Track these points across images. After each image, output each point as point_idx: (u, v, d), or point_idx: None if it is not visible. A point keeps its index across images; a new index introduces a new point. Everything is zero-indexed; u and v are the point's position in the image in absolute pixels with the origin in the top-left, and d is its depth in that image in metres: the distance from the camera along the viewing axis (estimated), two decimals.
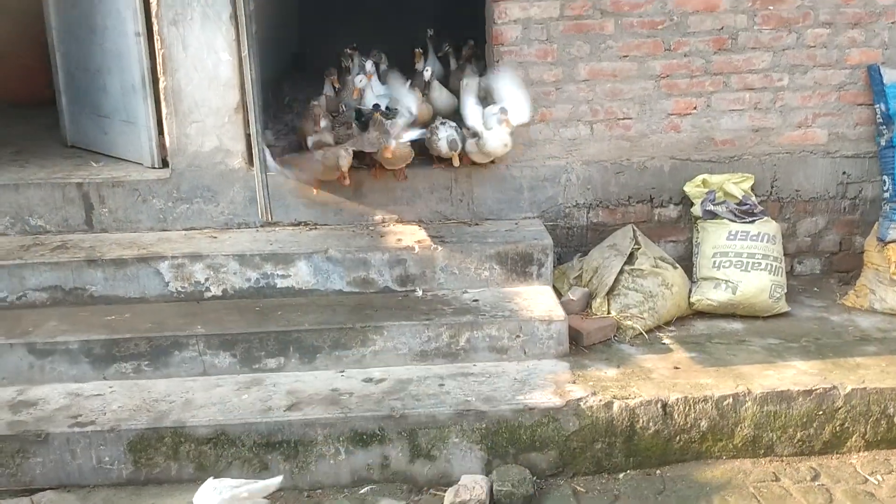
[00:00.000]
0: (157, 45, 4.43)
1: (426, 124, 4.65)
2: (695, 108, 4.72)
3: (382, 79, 5.07)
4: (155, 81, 4.59)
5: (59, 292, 4.26)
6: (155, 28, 4.41)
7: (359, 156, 4.45)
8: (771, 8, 4.61)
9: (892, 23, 4.67)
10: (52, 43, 5.30)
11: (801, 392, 3.77)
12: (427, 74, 5.04)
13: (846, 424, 3.80)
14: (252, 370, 3.99)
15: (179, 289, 4.30)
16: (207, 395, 3.83)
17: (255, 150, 4.08)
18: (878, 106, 4.71)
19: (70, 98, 5.34)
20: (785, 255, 4.76)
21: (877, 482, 3.65)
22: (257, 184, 4.08)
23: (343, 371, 4.00)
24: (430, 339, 4.03)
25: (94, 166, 4.88)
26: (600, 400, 3.72)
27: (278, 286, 4.31)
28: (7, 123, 6.19)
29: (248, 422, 3.61)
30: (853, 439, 3.82)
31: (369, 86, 4.85)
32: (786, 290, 4.53)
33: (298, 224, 4.66)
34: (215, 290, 4.31)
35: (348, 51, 5.38)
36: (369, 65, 4.97)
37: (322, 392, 3.82)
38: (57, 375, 3.94)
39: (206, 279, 4.29)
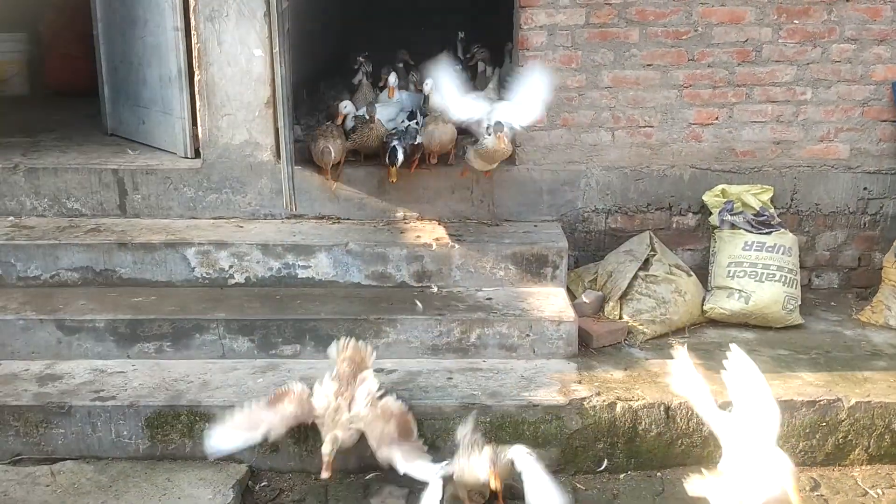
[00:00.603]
0: (194, 39, 4.60)
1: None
2: (717, 118, 4.76)
3: (407, 85, 5.19)
4: (191, 75, 4.76)
5: (89, 273, 4.44)
6: (192, 23, 4.58)
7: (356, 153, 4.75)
8: (796, 22, 4.64)
9: None
10: (97, 35, 5.52)
11: (805, 402, 3.80)
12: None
13: (849, 437, 3.83)
14: (269, 356, 4.13)
15: (204, 275, 4.45)
16: (224, 377, 3.97)
17: (282, 144, 4.22)
18: None
19: (112, 88, 5.55)
20: (803, 268, 4.79)
21: (876, 496, 3.67)
22: (283, 175, 4.21)
23: None
24: (442, 333, 4.14)
25: (130, 154, 5.07)
26: (604, 400, 3.79)
27: (299, 276, 4.45)
28: (51, 111, 6.43)
29: None
30: (856, 452, 3.84)
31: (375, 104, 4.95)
32: (800, 303, 4.55)
33: (322, 217, 4.80)
34: (238, 278, 4.46)
35: (361, 59, 5.50)
36: (392, 77, 5.14)
37: None
38: (83, 352, 4.12)
39: (231, 266, 4.45)
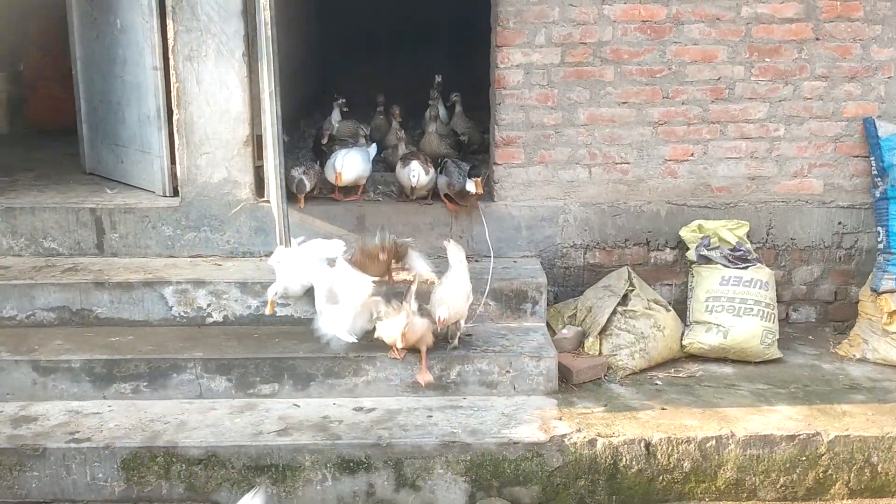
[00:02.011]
0: (173, 79, 4.62)
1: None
2: (692, 154, 4.82)
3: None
4: (170, 114, 4.78)
5: (66, 312, 4.41)
6: (171, 63, 4.61)
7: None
8: (768, 60, 4.73)
9: (888, 77, 4.76)
10: (76, 74, 5.54)
11: (785, 437, 3.81)
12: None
13: (829, 471, 3.83)
14: (247, 395, 4.10)
15: (182, 313, 4.43)
16: (202, 417, 3.93)
17: (276, 181, 4.21)
18: (873, 158, 4.78)
19: (90, 127, 5.56)
20: (780, 302, 4.82)
21: None
22: (278, 212, 4.22)
23: (335, 399, 4.09)
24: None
25: (108, 193, 5.06)
26: (584, 437, 3.78)
27: (277, 314, 4.43)
28: (31, 150, 6.43)
29: (238, 444, 3.71)
30: (837, 486, 3.84)
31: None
32: (778, 337, 4.57)
33: None
34: (217, 316, 4.44)
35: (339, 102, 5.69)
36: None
37: (313, 419, 3.92)
38: (59, 393, 4.07)
39: (209, 305, 4.43)
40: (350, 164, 4.72)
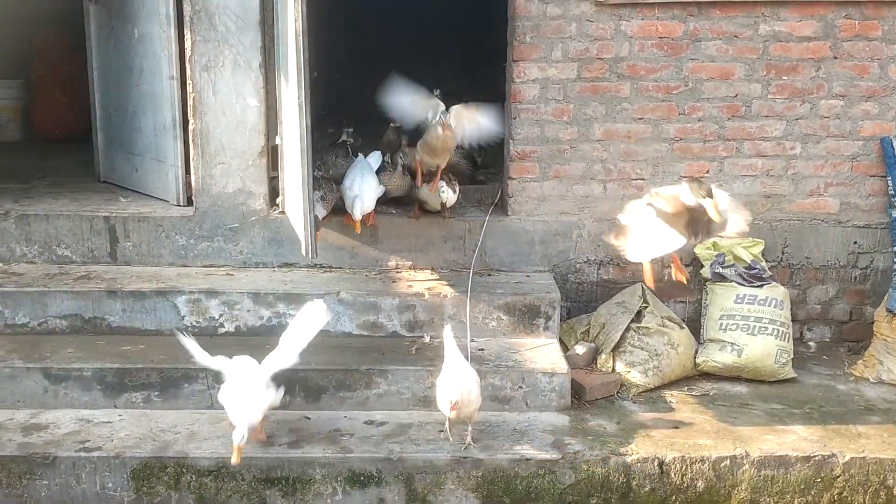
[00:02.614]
0: (189, 88, 4.63)
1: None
2: (707, 171, 4.80)
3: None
4: (185, 123, 4.79)
5: (78, 320, 4.40)
6: (188, 72, 4.62)
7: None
8: (785, 78, 4.71)
9: None
10: (92, 82, 5.55)
11: (800, 458, 3.78)
12: None
13: (845, 493, 3.79)
14: None
15: (194, 323, 4.42)
16: (212, 428, 3.92)
17: (306, 192, 4.10)
18: (889, 178, 4.76)
19: (105, 135, 5.57)
20: (795, 321, 4.79)
21: None
22: (304, 222, 4.14)
23: (346, 412, 4.07)
24: (434, 385, 4.08)
25: (122, 201, 5.07)
26: (597, 455, 3.75)
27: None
28: (45, 158, 6.44)
29: (248, 456, 3.68)
30: None
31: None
32: (792, 356, 4.54)
33: (314, 266, 4.78)
34: (228, 327, 4.43)
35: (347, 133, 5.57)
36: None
37: (324, 431, 3.90)
38: (69, 401, 4.06)
39: (221, 315, 4.42)
40: (368, 201, 4.57)
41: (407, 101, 4.64)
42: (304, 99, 4.01)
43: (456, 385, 3.70)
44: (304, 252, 4.23)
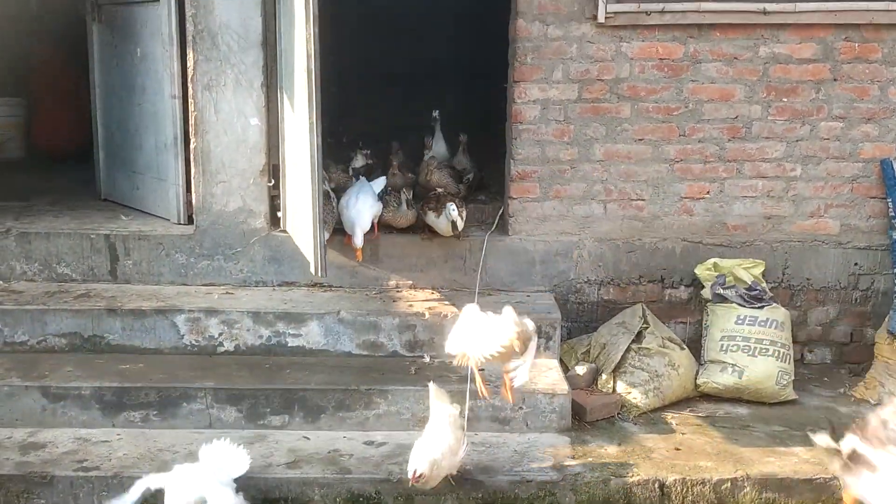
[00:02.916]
0: (191, 107, 4.64)
1: None
2: (708, 192, 4.81)
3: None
4: (186, 142, 4.80)
5: (77, 339, 4.40)
6: (189, 91, 4.63)
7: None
8: (785, 100, 4.73)
9: None
10: (94, 101, 5.57)
11: (801, 481, 3.75)
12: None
13: None
14: (257, 426, 4.06)
15: (193, 342, 4.41)
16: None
17: (316, 210, 4.11)
18: (889, 200, 4.76)
19: (107, 153, 5.59)
20: (795, 343, 4.78)
21: None
22: (315, 242, 4.16)
23: (346, 432, 4.05)
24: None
25: (122, 219, 5.07)
26: (598, 476, 3.73)
27: (289, 345, 4.41)
28: (46, 175, 6.46)
29: (247, 476, 3.65)
30: None
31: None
32: (793, 378, 4.52)
33: (315, 285, 4.78)
34: (228, 346, 4.41)
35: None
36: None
37: (322, 452, 3.88)
38: (68, 420, 4.04)
39: (220, 334, 4.40)
40: (365, 222, 4.60)
41: None
42: (315, 119, 4.02)
43: (424, 459, 3.45)
44: (312, 271, 4.23)
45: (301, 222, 4.33)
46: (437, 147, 5.66)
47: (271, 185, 4.75)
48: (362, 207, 4.61)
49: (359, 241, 4.53)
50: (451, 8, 7.85)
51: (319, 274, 4.22)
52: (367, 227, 4.61)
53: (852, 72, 4.71)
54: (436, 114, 5.85)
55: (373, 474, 3.71)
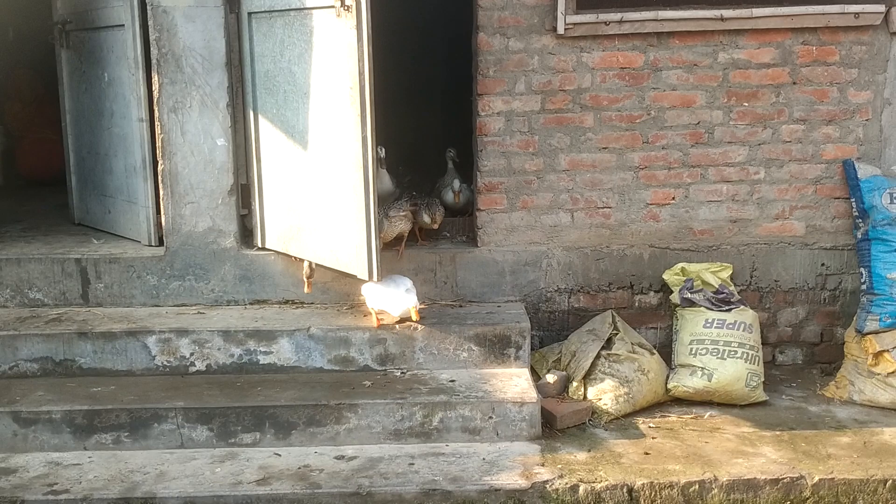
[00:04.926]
0: (158, 130, 4.68)
1: None
2: (673, 198, 4.86)
3: None
4: (155, 164, 4.83)
5: (49, 363, 4.41)
6: (156, 114, 4.67)
7: None
8: (746, 104, 4.78)
9: (866, 120, 4.81)
10: (65, 126, 5.61)
11: (768, 481, 3.78)
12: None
13: None
14: (228, 444, 4.07)
15: (165, 363, 4.43)
16: (182, 467, 3.91)
17: (372, 218, 4.26)
18: (853, 200, 4.81)
19: (79, 178, 5.62)
20: (766, 344, 4.81)
21: None
22: (368, 248, 4.29)
23: (317, 447, 4.07)
24: (404, 418, 4.10)
25: (94, 243, 5.10)
26: (566, 483, 3.75)
27: (261, 362, 4.43)
28: (22, 201, 6.48)
29: (217, 495, 3.68)
30: None
31: None
32: (763, 380, 4.55)
33: (286, 302, 4.81)
34: (199, 365, 4.43)
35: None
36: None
37: (293, 468, 3.89)
38: (39, 444, 4.05)
39: (192, 354, 4.42)
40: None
41: None
42: (368, 132, 4.15)
43: None
44: (367, 277, 4.32)
45: (322, 233, 4.50)
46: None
47: (240, 204, 4.79)
48: None
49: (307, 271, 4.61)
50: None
51: (375, 278, 4.31)
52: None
53: (811, 75, 4.77)
54: (451, 153, 5.66)
55: (342, 488, 3.72)
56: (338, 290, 4.81)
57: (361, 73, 4.08)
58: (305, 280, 4.54)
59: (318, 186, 4.47)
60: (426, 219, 4.89)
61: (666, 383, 4.55)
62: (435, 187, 5.44)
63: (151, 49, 4.64)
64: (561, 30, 4.64)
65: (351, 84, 4.13)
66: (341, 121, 4.24)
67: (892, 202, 4.68)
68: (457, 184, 5.18)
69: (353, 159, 4.23)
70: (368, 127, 4.14)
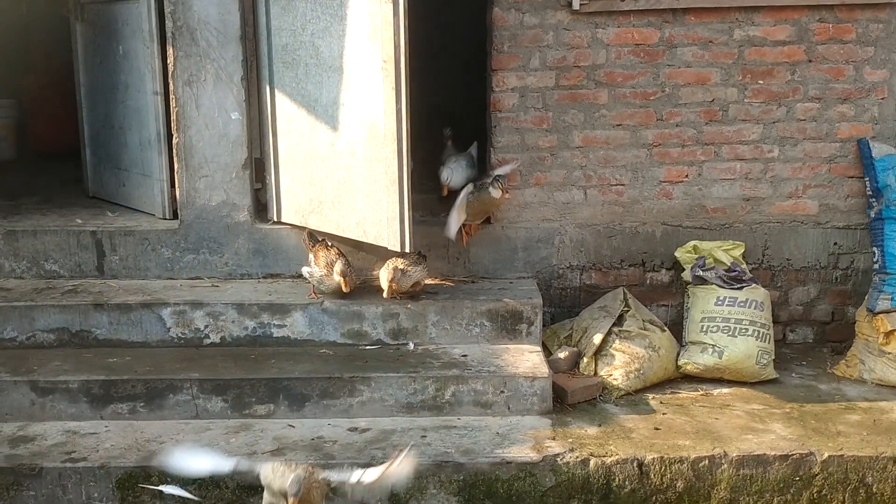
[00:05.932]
0: (172, 103, 4.69)
1: None
2: (686, 176, 4.85)
3: None
4: (170, 137, 4.85)
5: (65, 334, 4.45)
6: (171, 87, 4.68)
7: None
8: (761, 82, 4.76)
9: (882, 98, 4.79)
10: (80, 100, 5.63)
11: (778, 457, 3.81)
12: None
13: (824, 492, 3.82)
14: (242, 416, 4.12)
15: (180, 335, 4.47)
16: (197, 437, 3.96)
17: (405, 189, 4.30)
18: (867, 179, 4.80)
19: (93, 151, 5.64)
20: (777, 323, 4.83)
21: None
22: (402, 216, 4.32)
23: (330, 419, 4.11)
24: (417, 391, 4.14)
25: (109, 216, 5.13)
26: (577, 457, 3.79)
27: (274, 335, 4.47)
28: (36, 175, 6.52)
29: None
30: None
31: None
32: (773, 357, 4.57)
33: (299, 276, 4.83)
34: (214, 338, 4.47)
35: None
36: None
37: (307, 439, 3.94)
38: (56, 413, 4.10)
39: (206, 326, 4.46)
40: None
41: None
42: (403, 105, 4.17)
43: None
44: (399, 248, 4.37)
45: (347, 207, 4.54)
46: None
47: (254, 177, 4.81)
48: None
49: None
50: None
51: (408, 249, 4.37)
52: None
53: (827, 53, 4.75)
54: (448, 132, 5.64)
55: (355, 459, 3.75)
56: (352, 264, 4.83)
57: (397, 47, 4.08)
58: (342, 280, 4.40)
59: (343, 160, 4.48)
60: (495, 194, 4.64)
61: (676, 360, 4.58)
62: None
63: (166, 22, 4.65)
64: (576, 5, 4.63)
65: (385, 58, 4.13)
66: (372, 95, 4.24)
67: None
68: (442, 170, 5.01)
69: (386, 133, 4.23)
70: (403, 101, 4.15)
